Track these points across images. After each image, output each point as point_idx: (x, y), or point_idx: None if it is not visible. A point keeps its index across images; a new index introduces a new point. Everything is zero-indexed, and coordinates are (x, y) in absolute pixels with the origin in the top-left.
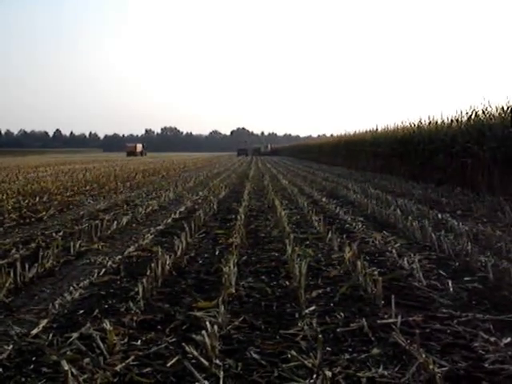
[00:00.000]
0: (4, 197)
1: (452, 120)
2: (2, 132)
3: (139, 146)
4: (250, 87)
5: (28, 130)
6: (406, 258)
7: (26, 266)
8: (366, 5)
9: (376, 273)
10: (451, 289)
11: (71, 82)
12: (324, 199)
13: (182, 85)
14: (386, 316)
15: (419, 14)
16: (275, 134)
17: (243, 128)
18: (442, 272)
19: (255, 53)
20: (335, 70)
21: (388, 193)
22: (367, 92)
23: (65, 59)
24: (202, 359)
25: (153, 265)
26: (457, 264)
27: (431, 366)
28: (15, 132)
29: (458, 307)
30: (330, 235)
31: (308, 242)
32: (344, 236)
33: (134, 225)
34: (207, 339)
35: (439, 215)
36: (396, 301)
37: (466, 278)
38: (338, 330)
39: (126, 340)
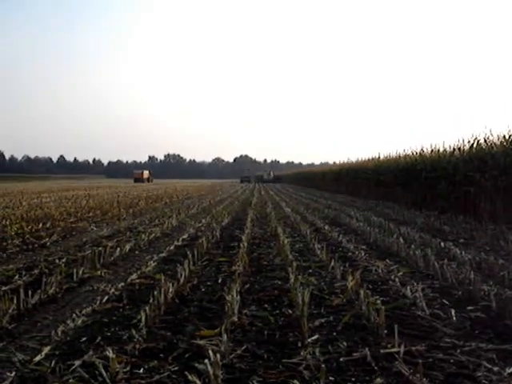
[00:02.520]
0: (7, 222)
1: (454, 148)
2: (6, 157)
3: (146, 173)
4: (253, 115)
5: (32, 155)
6: (409, 287)
7: (29, 293)
8: (368, 37)
9: (379, 302)
10: (454, 318)
11: (75, 109)
12: (327, 227)
13: (185, 112)
14: (389, 345)
15: (420, 45)
16: (278, 162)
17: (246, 155)
18: (445, 301)
19: (258, 81)
20: (338, 98)
21: (391, 221)
22: (370, 120)
23: (68, 86)
24: None
25: (155, 292)
26: (460, 293)
27: None
28: (19, 158)
29: (461, 336)
30: (332, 263)
31: (311, 270)
32: (347, 264)
33: (136, 252)
34: (210, 368)
35: (442, 243)
36: (399, 330)
37: (469, 307)
38: (341, 359)
39: (128, 368)
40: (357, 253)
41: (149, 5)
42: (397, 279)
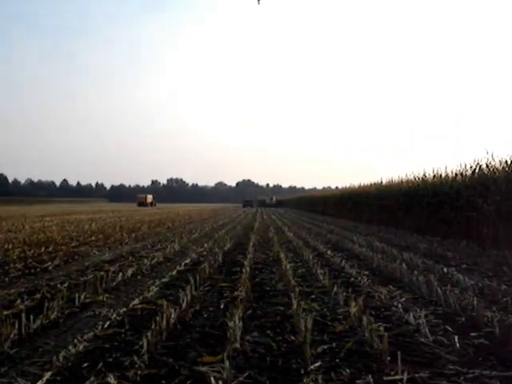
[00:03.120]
0: (10, 246)
1: (456, 173)
2: (10, 181)
3: (150, 197)
4: (256, 139)
5: (35, 179)
6: (412, 313)
7: (31, 317)
8: (369, 65)
9: (382, 328)
10: (457, 344)
11: (78, 133)
12: (329, 252)
13: (187, 136)
14: (392, 372)
15: (422, 70)
16: (280, 186)
17: (249, 180)
18: (448, 327)
19: (260, 105)
20: (340, 124)
21: (393, 246)
22: (372, 145)
23: (72, 111)
24: None
25: (157, 318)
26: (463, 319)
27: None
28: (22, 181)
29: (465, 363)
30: (335, 289)
31: (313, 296)
32: (349, 290)
33: (139, 276)
34: None
35: (445, 269)
36: (402, 357)
37: (472, 334)
38: None
39: None
40: (359, 278)
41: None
42: (400, 305)
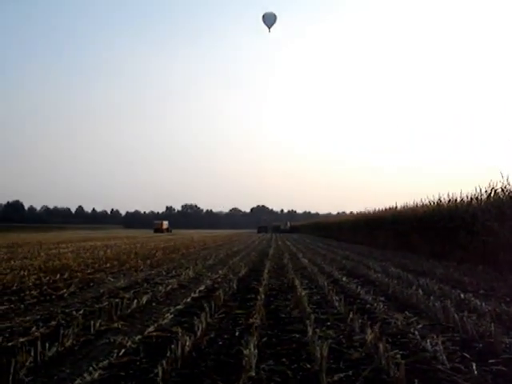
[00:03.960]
0: (26, 273)
1: (471, 198)
2: (26, 208)
3: (165, 223)
4: (270, 165)
5: (51, 206)
6: (428, 340)
7: (46, 345)
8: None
9: (398, 355)
10: (475, 372)
11: (94, 160)
12: (344, 278)
13: (202, 163)
14: None
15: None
16: (295, 212)
17: (263, 205)
18: (465, 354)
19: (274, 131)
20: (354, 150)
21: (409, 272)
22: (387, 170)
23: (88, 138)
24: None
25: (172, 346)
26: (480, 345)
27: None
28: (38, 208)
29: None
30: (351, 316)
31: (329, 323)
32: (365, 317)
33: (153, 304)
34: None
35: (461, 295)
36: None
37: (490, 360)
38: None
39: None
40: (375, 305)
41: None
42: (416, 332)
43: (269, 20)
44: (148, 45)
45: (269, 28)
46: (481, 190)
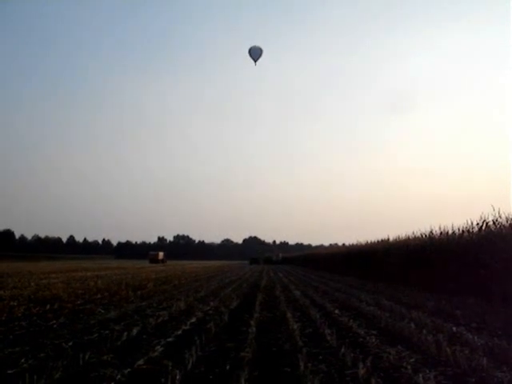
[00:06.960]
0: (15, 303)
1: (463, 230)
2: (16, 237)
3: (161, 254)
4: (262, 196)
5: (42, 235)
6: (421, 374)
7: (35, 377)
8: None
9: None
10: None
11: (85, 190)
12: (336, 311)
13: (194, 193)
14: None
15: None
16: (287, 243)
17: (255, 237)
18: None
19: (267, 164)
20: (346, 182)
21: (401, 304)
22: (378, 203)
23: (79, 168)
24: None
25: (162, 379)
26: (473, 380)
27: None
28: (29, 237)
29: None
30: (343, 350)
31: (321, 357)
32: (357, 350)
33: (144, 336)
34: None
35: (454, 328)
36: None
37: None
38: None
39: None
40: (368, 338)
41: None
42: (409, 366)
43: (255, 53)
44: (145, 75)
45: (255, 61)
46: (472, 223)
